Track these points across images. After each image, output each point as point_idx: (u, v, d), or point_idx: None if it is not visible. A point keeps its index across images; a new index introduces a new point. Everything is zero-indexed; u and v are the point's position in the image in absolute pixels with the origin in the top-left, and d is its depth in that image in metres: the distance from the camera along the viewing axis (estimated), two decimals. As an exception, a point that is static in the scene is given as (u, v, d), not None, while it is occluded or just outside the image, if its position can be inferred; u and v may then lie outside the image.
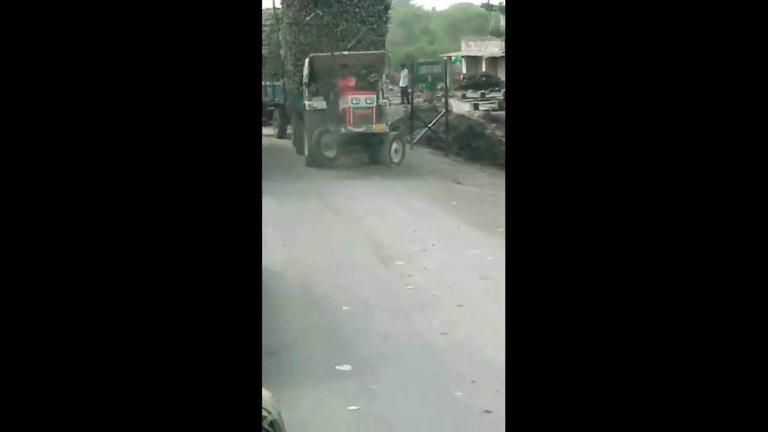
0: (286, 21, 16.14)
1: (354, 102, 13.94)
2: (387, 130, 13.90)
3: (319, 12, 15.50)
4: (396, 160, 13.81)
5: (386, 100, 15.08)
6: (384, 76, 15.68)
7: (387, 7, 16.13)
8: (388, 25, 16.39)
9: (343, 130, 13.75)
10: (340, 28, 15.59)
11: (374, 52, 15.27)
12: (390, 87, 16.85)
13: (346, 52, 14.82)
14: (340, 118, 14.02)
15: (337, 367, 4.93)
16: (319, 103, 14.37)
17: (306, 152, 14.49)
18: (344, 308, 6.19)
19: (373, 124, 13.78)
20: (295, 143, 16.39)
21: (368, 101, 14.02)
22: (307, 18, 15.48)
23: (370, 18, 15.74)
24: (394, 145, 13.77)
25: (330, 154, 13.77)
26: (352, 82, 14.49)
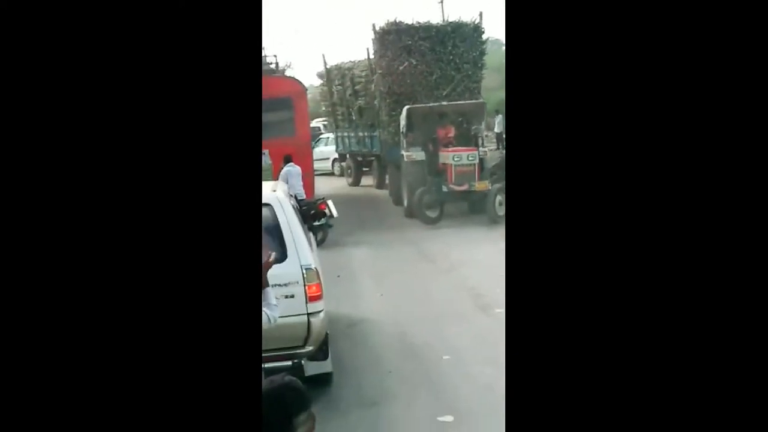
0: (379, 71, 15.72)
1: (456, 159, 13.27)
2: (490, 187, 13.10)
3: (413, 60, 15.11)
4: (501, 213, 12.74)
5: (485, 150, 14.41)
6: (483, 126, 15.02)
7: (482, 53, 15.61)
8: (484, 72, 15.85)
9: (445, 189, 13.19)
10: (434, 77, 15.17)
11: (472, 101, 14.75)
12: (486, 133, 16.21)
13: (444, 102, 14.44)
14: (440, 173, 13.49)
15: (439, 419, 4.84)
16: (417, 154, 13.94)
17: (405, 205, 14.15)
18: (445, 357, 6.11)
19: (475, 181, 13.11)
20: (391, 193, 16.13)
21: (470, 158, 13.31)
22: (401, 67, 15.13)
23: (465, 65, 15.24)
24: (498, 198, 12.88)
25: (432, 214, 13.22)
26: (451, 132, 14.01)
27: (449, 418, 4.86)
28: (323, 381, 5.42)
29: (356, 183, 20.08)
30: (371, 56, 16.26)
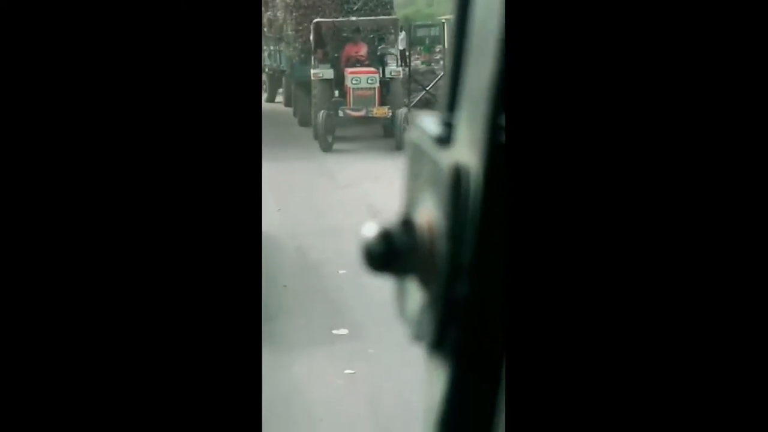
0: None
1: (354, 82, 12.09)
2: (389, 114, 11.89)
3: None
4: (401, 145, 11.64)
5: (399, 71, 13.01)
6: (396, 46, 14.03)
7: None
8: None
9: (341, 114, 12.01)
10: None
11: (385, 17, 13.86)
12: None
13: (353, 18, 13.47)
14: (344, 94, 12.33)
15: (334, 332, 4.94)
16: (326, 72, 12.68)
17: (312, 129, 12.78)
18: (341, 272, 6.19)
19: (375, 107, 11.94)
20: (295, 113, 15.12)
21: (370, 81, 12.09)
22: None
23: None
24: (404, 126, 11.70)
25: (330, 138, 12.06)
26: (362, 50, 12.92)
27: (344, 331, 4.95)
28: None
29: (271, 99, 18.98)
30: None
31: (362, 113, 11.96)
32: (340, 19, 13.51)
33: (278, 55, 17.11)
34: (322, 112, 11.97)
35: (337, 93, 12.43)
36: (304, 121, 13.64)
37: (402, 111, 11.89)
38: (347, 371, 4.37)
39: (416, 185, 0.75)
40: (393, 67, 12.86)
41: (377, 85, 12.13)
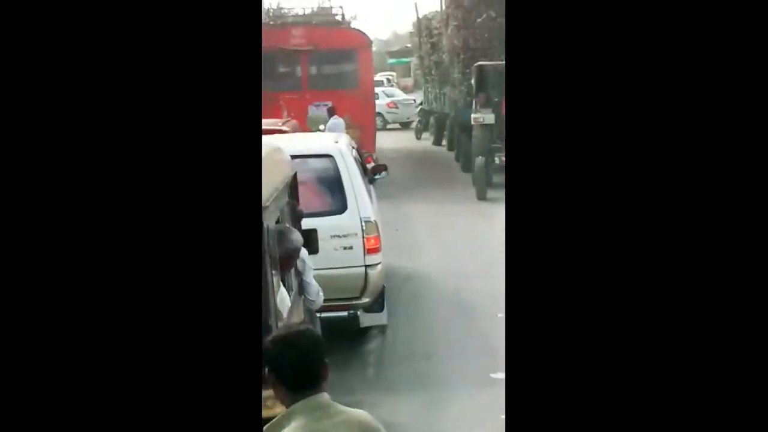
0: (454, 24, 13.87)
1: None
2: None
3: (492, 12, 13.08)
4: None
5: None
6: None
7: None
8: None
9: (497, 161, 11.51)
10: None
11: None
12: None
13: None
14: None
15: (492, 375, 4.89)
16: (487, 117, 12.06)
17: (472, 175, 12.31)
18: (499, 315, 6.13)
19: None
20: (457, 158, 14.83)
21: None
22: (478, 20, 13.24)
23: None
24: None
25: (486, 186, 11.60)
26: None
27: (501, 375, 4.89)
28: (378, 333, 5.51)
29: (437, 142, 18.71)
30: (444, 6, 14.73)
31: None
32: (503, 62, 12.52)
33: (443, 98, 16.89)
34: (479, 158, 11.66)
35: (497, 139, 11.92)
36: (467, 167, 13.18)
37: None
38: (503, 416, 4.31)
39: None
40: None
41: None
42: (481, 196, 11.47)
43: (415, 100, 22.00)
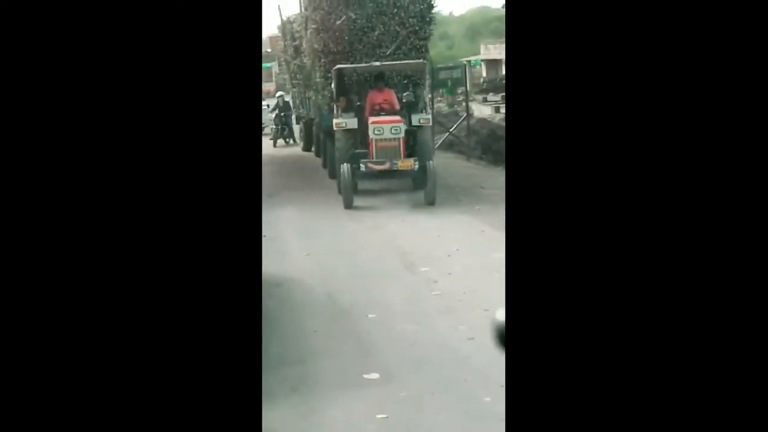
0: (313, 26, 13.40)
1: (377, 133, 11.00)
2: (415, 166, 10.88)
3: (352, 14, 12.83)
4: (431, 200, 10.91)
5: (428, 119, 12.01)
6: (425, 92, 12.82)
7: (430, 6, 13.08)
8: (432, 27, 13.41)
9: (363, 168, 10.98)
10: (376, 33, 12.84)
11: (411, 61, 12.47)
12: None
13: (377, 63, 12.20)
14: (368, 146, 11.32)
15: (365, 376, 4.92)
16: (350, 122, 11.61)
17: (337, 183, 11.85)
18: (370, 316, 6.18)
19: (399, 159, 10.89)
20: (324, 165, 14.40)
21: (394, 131, 11.00)
22: (338, 22, 12.85)
23: (410, 19, 12.88)
24: (434, 182, 10.86)
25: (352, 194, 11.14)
26: (390, 97, 11.88)
27: (375, 375, 4.93)
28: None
29: (307, 148, 18.19)
30: (304, 9, 14.23)
31: (386, 166, 10.86)
32: (362, 64, 12.45)
33: (308, 102, 16.47)
34: (344, 165, 11.05)
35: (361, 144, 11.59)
36: (333, 173, 12.71)
37: (432, 163, 10.95)
38: (379, 416, 4.34)
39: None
40: (421, 115, 11.84)
41: (402, 135, 11.07)
42: (348, 205, 11.01)
43: (269, 105, 21.65)
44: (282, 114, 20.55)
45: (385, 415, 4.34)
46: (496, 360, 5.40)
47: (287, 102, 20.47)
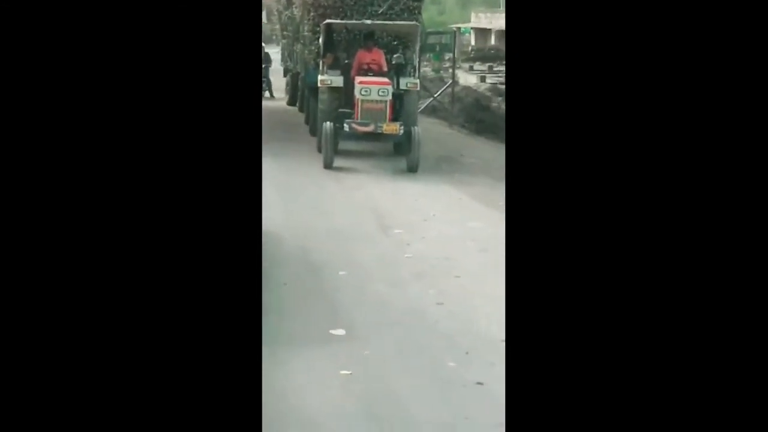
0: None
1: (363, 93, 10.61)
2: (400, 131, 10.55)
3: None
4: (414, 167, 10.66)
5: (417, 82, 11.64)
6: (415, 55, 12.35)
7: None
8: None
9: (346, 128, 10.64)
10: None
11: (404, 22, 12.11)
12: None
13: (368, 21, 11.84)
14: (353, 106, 10.90)
15: (331, 332, 4.93)
16: (335, 79, 11.26)
17: (317, 140, 11.60)
18: (341, 273, 6.19)
19: (384, 122, 10.53)
20: (307, 121, 14.02)
21: (381, 93, 10.59)
22: None
23: None
24: (418, 149, 10.52)
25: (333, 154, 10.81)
26: (379, 57, 11.54)
27: (341, 332, 4.95)
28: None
29: (291, 102, 17.70)
30: None
31: (370, 128, 10.52)
32: (353, 21, 12.19)
33: (296, 56, 15.98)
34: (327, 123, 10.75)
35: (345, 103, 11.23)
36: (315, 131, 12.44)
37: (418, 129, 10.68)
38: (343, 372, 4.37)
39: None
40: (409, 79, 11.48)
41: (389, 98, 10.68)
42: (328, 164, 10.72)
43: None
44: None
45: (349, 372, 4.36)
46: (464, 327, 5.47)
47: (267, 54, 20.17)
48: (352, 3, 12.57)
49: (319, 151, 11.21)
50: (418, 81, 11.85)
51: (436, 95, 17.52)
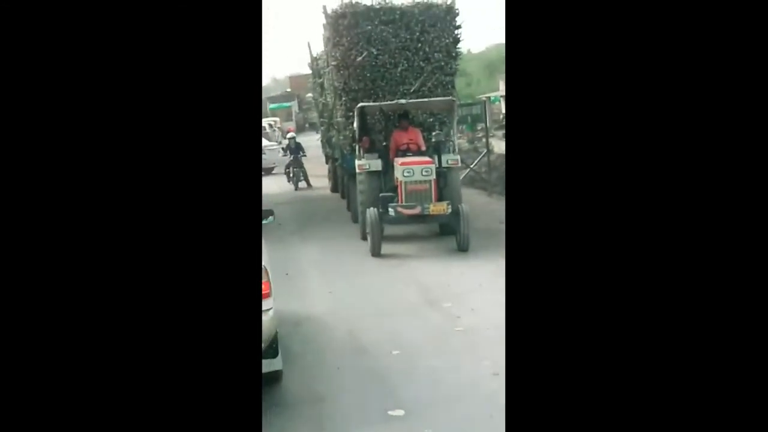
0: (333, 63, 12.74)
1: (406, 175, 10.17)
2: (448, 210, 10.02)
3: (373, 50, 12.20)
4: (465, 246, 10.14)
5: (456, 160, 11.23)
6: (452, 131, 11.98)
7: (456, 40, 12.45)
8: (458, 63, 12.76)
9: (392, 213, 10.09)
10: (399, 69, 12.24)
11: (439, 98, 11.74)
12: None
13: (403, 101, 11.41)
14: (395, 189, 10.50)
15: (390, 413, 4.88)
16: (373, 163, 10.94)
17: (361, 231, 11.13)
18: (394, 353, 6.14)
19: (431, 203, 10.07)
20: (349, 208, 13.56)
21: (425, 173, 10.18)
22: (359, 58, 12.25)
23: (436, 54, 12.30)
24: (467, 227, 10.04)
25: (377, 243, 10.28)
26: (416, 137, 11.27)
27: (400, 412, 4.89)
28: (273, 379, 5.42)
29: (335, 189, 16.96)
30: (325, 46, 13.47)
31: (417, 210, 10.00)
32: (387, 102, 11.69)
33: (333, 142, 15.48)
34: (370, 210, 10.31)
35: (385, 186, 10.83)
36: (357, 217, 11.86)
37: (466, 207, 10.24)
38: (404, 453, 4.30)
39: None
40: (450, 156, 11.10)
41: (433, 177, 10.25)
42: (376, 252, 10.21)
43: (280, 143, 21.26)
44: (292, 156, 20.16)
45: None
46: (522, 395, 5.30)
47: (299, 143, 20.25)
48: (383, 84, 12.38)
49: (363, 238, 10.89)
50: (458, 157, 11.52)
51: (472, 166, 17.60)
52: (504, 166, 17.74)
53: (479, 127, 20.94)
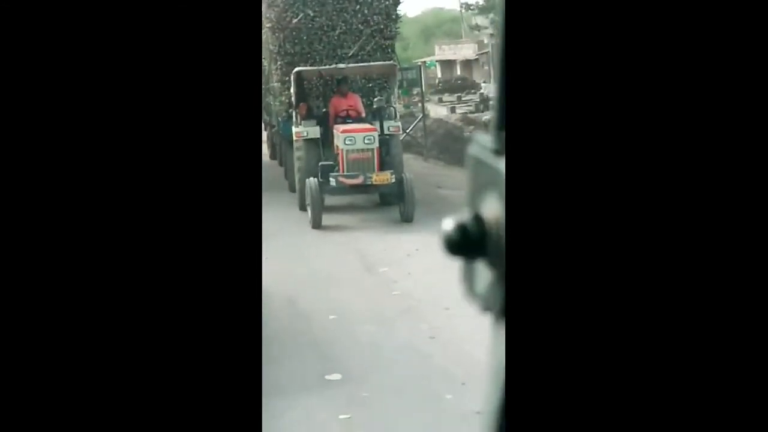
0: (267, 26, 12.00)
1: (348, 142, 9.61)
2: (392, 180, 9.49)
3: (309, 12, 11.73)
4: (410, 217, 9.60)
5: (399, 124, 10.79)
6: (393, 96, 11.51)
7: (396, 2, 12.01)
8: (398, 26, 12.35)
9: (333, 182, 9.57)
10: (337, 32, 11.76)
11: (381, 63, 11.34)
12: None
13: (342, 65, 11.08)
14: (335, 157, 10.00)
15: (327, 377, 4.93)
16: (312, 130, 10.40)
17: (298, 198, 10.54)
18: (331, 317, 6.19)
19: (374, 172, 9.53)
20: (286, 177, 12.73)
21: (367, 140, 9.61)
22: (294, 20, 11.77)
23: (375, 16, 11.80)
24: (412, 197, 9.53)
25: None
26: (355, 102, 10.82)
27: (337, 376, 4.95)
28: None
29: (273, 156, 15.97)
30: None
31: (359, 180, 9.46)
32: (325, 67, 11.34)
33: (270, 108, 14.73)
34: (310, 179, 9.69)
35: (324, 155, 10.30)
36: (294, 186, 11.36)
37: (409, 175, 9.75)
38: (342, 416, 4.36)
39: (479, 188, 0.93)
40: (391, 122, 10.57)
41: (376, 145, 9.66)
42: (316, 224, 9.65)
43: None
44: None
45: (348, 415, 4.35)
46: (458, 358, 5.47)
47: None
48: (320, 47, 11.88)
49: (302, 209, 10.31)
50: (399, 123, 11.02)
51: (408, 130, 17.67)
52: (439, 130, 17.88)
53: (415, 92, 21.03)
